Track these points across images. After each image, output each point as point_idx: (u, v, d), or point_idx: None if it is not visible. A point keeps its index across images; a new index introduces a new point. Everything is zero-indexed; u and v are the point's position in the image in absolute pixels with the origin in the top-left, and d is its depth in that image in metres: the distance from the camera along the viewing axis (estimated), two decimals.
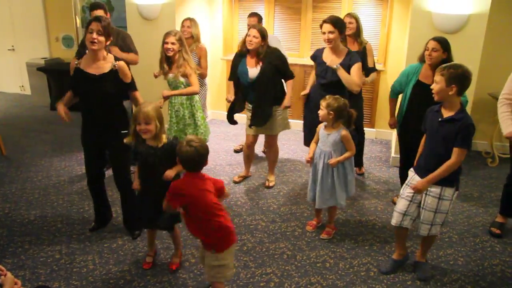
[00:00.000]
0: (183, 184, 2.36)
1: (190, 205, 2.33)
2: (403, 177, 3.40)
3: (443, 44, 3.27)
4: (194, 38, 4.55)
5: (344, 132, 3.14)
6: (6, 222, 3.50)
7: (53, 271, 2.93)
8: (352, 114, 3.19)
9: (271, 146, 4.18)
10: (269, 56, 3.79)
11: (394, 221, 2.87)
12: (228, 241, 2.41)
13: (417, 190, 2.70)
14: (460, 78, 2.53)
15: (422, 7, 4.19)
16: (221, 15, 5.88)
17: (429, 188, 2.70)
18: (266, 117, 3.90)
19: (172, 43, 3.67)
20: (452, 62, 2.64)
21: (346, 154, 3.17)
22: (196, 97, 4.03)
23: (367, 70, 4.24)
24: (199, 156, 2.31)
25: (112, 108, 3.05)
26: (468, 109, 3.87)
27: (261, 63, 3.78)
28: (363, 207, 3.88)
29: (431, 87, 2.62)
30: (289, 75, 3.94)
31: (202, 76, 4.57)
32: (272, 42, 4.18)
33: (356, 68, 3.60)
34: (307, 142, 3.95)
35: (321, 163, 3.22)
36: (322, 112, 3.15)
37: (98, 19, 2.90)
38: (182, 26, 4.54)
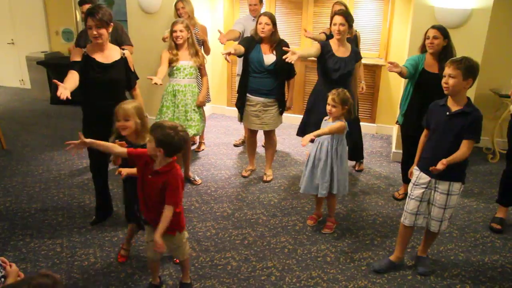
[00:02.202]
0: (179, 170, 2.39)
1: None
2: (406, 170, 3.40)
3: (443, 31, 3.31)
4: (191, 16, 4.55)
5: (343, 121, 3.15)
6: (7, 216, 3.51)
7: (54, 264, 2.93)
8: (352, 103, 3.24)
9: (271, 139, 4.19)
10: (282, 44, 3.82)
11: (407, 222, 2.81)
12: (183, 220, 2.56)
13: (437, 171, 2.50)
14: (475, 70, 2.54)
15: (425, 1, 4.16)
16: (222, 10, 5.86)
17: (437, 186, 2.68)
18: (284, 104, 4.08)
19: (181, 31, 3.74)
20: (462, 56, 2.58)
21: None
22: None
23: None
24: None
25: (119, 96, 3.10)
26: None
27: (274, 51, 3.81)
28: (364, 202, 3.88)
29: (444, 81, 2.56)
30: (293, 72, 3.99)
31: (208, 52, 4.68)
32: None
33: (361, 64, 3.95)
34: (303, 133, 3.96)
35: (318, 150, 3.21)
36: (335, 109, 3.10)
37: (91, 13, 2.84)
38: (177, 9, 4.50)
